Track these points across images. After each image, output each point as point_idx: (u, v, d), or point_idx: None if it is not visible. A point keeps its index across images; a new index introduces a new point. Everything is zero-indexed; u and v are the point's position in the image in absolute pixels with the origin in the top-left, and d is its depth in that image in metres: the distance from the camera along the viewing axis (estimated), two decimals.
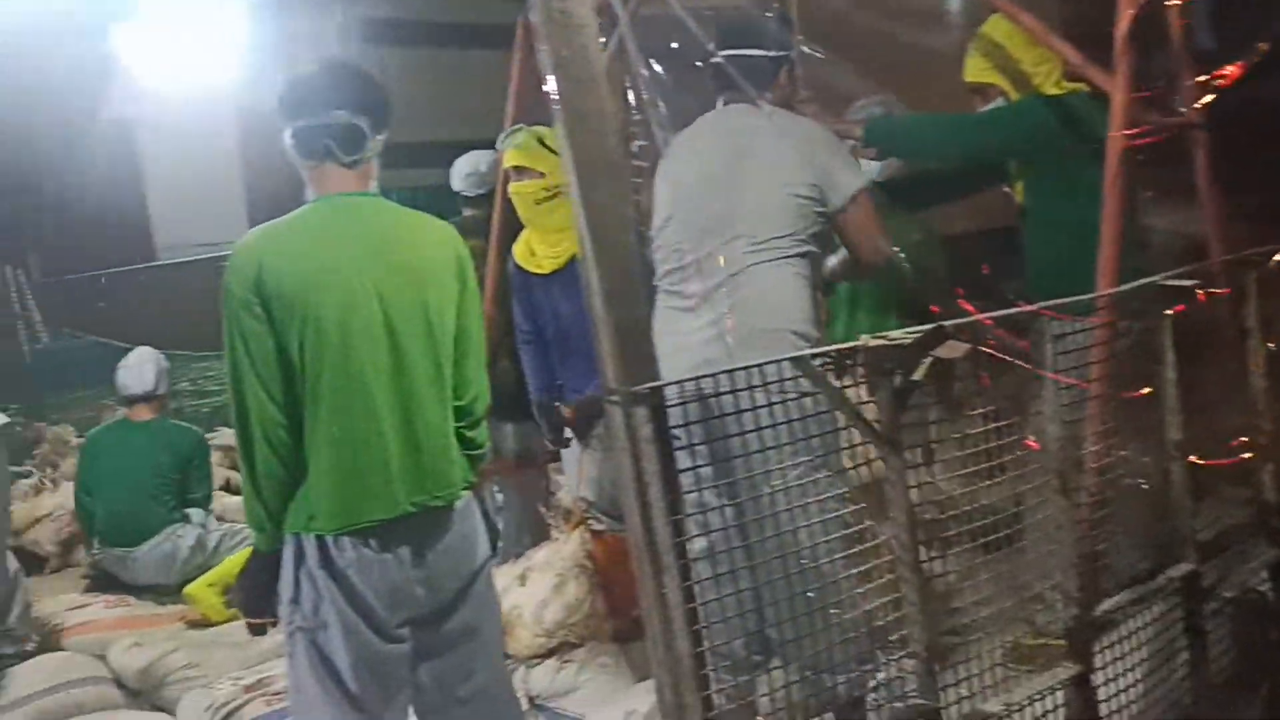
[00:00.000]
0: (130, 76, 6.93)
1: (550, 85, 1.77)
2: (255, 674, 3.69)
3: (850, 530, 2.12)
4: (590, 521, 4.03)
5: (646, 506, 1.81)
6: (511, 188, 3.83)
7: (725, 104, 3.07)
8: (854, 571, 2.11)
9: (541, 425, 4.11)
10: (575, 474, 4.13)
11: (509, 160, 3.84)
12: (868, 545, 2.12)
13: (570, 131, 1.76)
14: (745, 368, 1.98)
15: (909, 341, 2.00)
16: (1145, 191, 3.25)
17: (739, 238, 2.86)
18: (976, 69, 3.48)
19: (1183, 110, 3.12)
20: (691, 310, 2.91)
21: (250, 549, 2.56)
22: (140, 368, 5.22)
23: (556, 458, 4.52)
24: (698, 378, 1.92)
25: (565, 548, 3.93)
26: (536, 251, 3.86)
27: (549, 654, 3.73)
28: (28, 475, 6.16)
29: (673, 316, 2.95)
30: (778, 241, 2.86)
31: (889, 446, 2.02)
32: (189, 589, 4.54)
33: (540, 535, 4.36)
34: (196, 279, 7.93)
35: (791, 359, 1.98)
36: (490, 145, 4.76)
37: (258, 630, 2.65)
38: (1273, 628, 2.84)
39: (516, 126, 3.90)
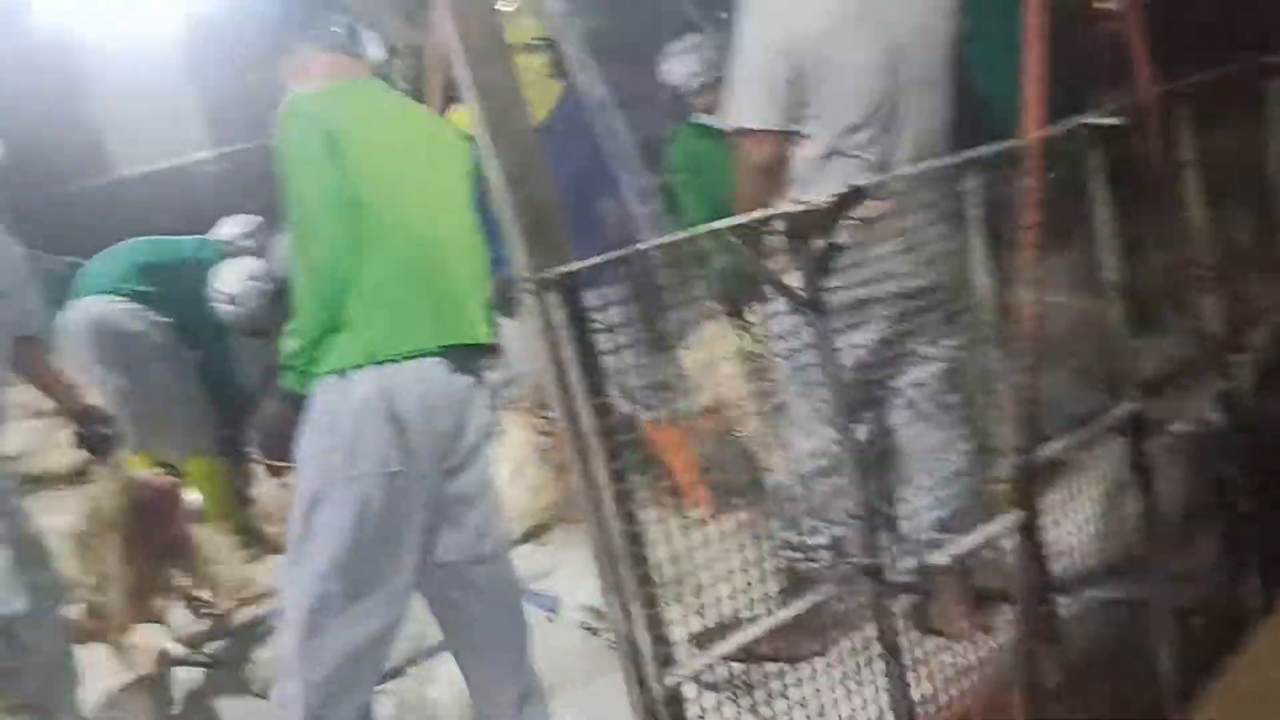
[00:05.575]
0: None
1: None
2: None
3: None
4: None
5: (567, 391, 1.80)
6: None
7: None
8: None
9: None
10: (525, 359, 4.11)
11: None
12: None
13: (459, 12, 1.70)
14: (664, 243, 1.96)
15: (826, 205, 1.97)
16: None
17: None
18: None
19: None
20: None
21: None
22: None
23: None
24: (615, 256, 1.89)
25: (514, 437, 3.95)
26: None
27: (523, 539, 3.79)
28: None
29: None
30: None
31: (813, 310, 2.01)
32: None
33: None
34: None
35: (708, 230, 1.95)
36: None
37: (277, 473, 2.69)
38: (1220, 460, 2.86)
39: None
